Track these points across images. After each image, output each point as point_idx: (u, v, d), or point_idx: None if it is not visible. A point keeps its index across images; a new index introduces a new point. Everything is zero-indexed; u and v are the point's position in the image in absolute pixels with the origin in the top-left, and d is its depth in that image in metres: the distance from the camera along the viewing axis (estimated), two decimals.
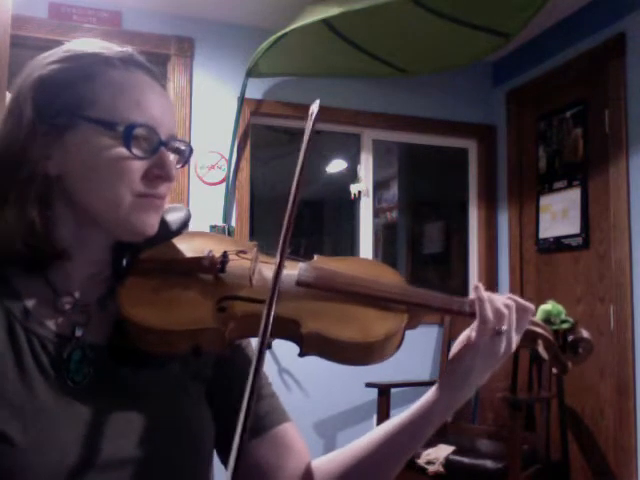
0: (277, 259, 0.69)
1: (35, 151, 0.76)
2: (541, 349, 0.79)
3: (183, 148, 0.84)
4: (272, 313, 0.65)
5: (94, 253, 0.82)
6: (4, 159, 0.77)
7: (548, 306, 0.81)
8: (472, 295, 0.81)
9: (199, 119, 3.44)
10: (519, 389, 3.16)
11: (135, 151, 0.76)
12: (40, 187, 0.76)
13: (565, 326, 0.80)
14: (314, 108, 0.76)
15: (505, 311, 0.79)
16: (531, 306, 0.81)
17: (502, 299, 0.81)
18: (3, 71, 2.11)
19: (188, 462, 0.79)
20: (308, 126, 0.75)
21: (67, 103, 0.76)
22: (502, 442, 2.95)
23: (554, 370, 0.80)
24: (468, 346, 0.80)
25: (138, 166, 0.77)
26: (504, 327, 0.78)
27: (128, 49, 0.82)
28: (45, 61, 0.79)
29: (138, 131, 0.76)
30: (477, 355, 0.79)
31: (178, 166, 0.83)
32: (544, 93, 3.66)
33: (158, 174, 0.78)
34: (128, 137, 0.75)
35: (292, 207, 0.71)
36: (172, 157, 0.81)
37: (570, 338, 0.79)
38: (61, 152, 0.76)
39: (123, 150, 0.76)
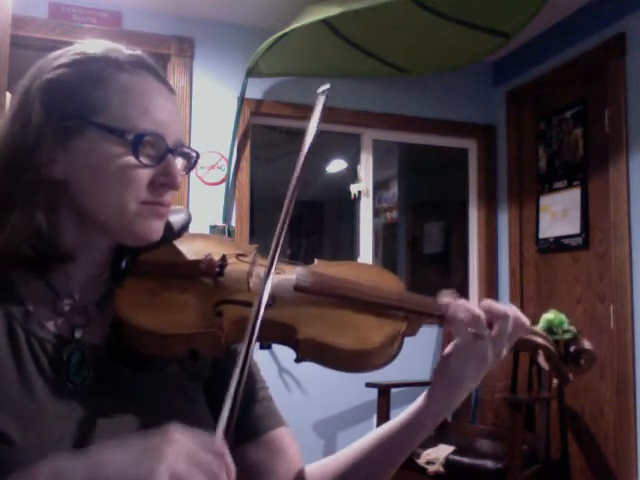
0: (267, 266, 0.69)
1: (42, 154, 0.75)
2: (542, 359, 0.77)
3: (191, 154, 0.84)
4: (258, 322, 0.65)
5: (96, 255, 0.82)
6: (11, 161, 0.76)
7: (550, 315, 0.79)
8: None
9: (199, 119, 3.44)
10: (519, 389, 3.16)
11: (143, 159, 0.76)
12: (47, 191, 0.76)
13: (567, 336, 0.78)
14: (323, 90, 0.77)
15: (480, 314, 0.76)
16: (509, 313, 0.76)
17: (478, 306, 0.78)
18: (3, 71, 2.12)
19: None
20: (317, 110, 0.76)
21: (76, 108, 0.76)
22: (502, 442, 2.95)
23: (555, 381, 0.79)
24: (455, 349, 0.79)
25: (145, 174, 0.77)
26: (482, 331, 0.76)
27: (138, 51, 0.81)
28: (54, 63, 0.78)
29: (146, 139, 0.76)
30: (464, 359, 0.78)
31: (183, 173, 0.83)
32: (544, 93, 3.66)
33: (164, 182, 0.78)
34: (137, 146, 0.75)
35: (289, 205, 0.72)
36: (179, 162, 0.82)
37: (572, 349, 0.77)
38: (67, 156, 0.76)
39: (131, 158, 0.76)
